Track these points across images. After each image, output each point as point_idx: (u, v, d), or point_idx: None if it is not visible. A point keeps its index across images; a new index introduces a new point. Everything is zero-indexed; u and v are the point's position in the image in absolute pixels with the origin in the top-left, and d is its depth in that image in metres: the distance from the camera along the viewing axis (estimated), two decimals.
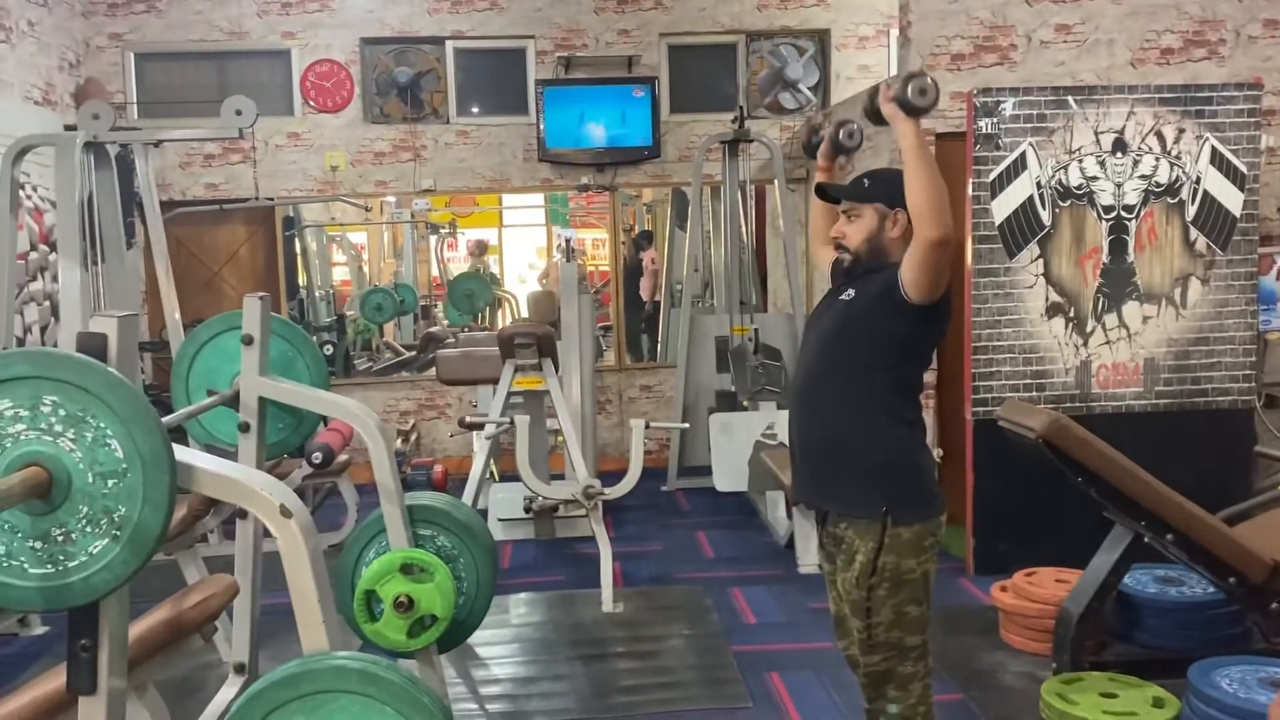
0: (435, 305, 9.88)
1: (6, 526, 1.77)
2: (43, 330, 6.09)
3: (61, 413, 1.76)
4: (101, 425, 1.77)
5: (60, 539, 1.78)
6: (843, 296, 2.49)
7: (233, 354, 3.15)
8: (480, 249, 9.94)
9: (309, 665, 1.89)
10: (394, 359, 8.85)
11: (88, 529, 1.78)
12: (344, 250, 9.85)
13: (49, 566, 1.79)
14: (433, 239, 9.80)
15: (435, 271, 10.11)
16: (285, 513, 1.94)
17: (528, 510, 5.52)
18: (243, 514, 3.05)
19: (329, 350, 7.86)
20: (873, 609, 2.36)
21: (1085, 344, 4.73)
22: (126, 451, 1.77)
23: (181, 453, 1.88)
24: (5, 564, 1.78)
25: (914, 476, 2.42)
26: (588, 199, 8.46)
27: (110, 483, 1.77)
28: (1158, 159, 4.69)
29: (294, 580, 1.95)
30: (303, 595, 1.96)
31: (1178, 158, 4.69)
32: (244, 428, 2.95)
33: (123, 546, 1.78)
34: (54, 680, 2.16)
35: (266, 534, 2.41)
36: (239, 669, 3.06)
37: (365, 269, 10.10)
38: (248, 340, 2.92)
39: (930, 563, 2.39)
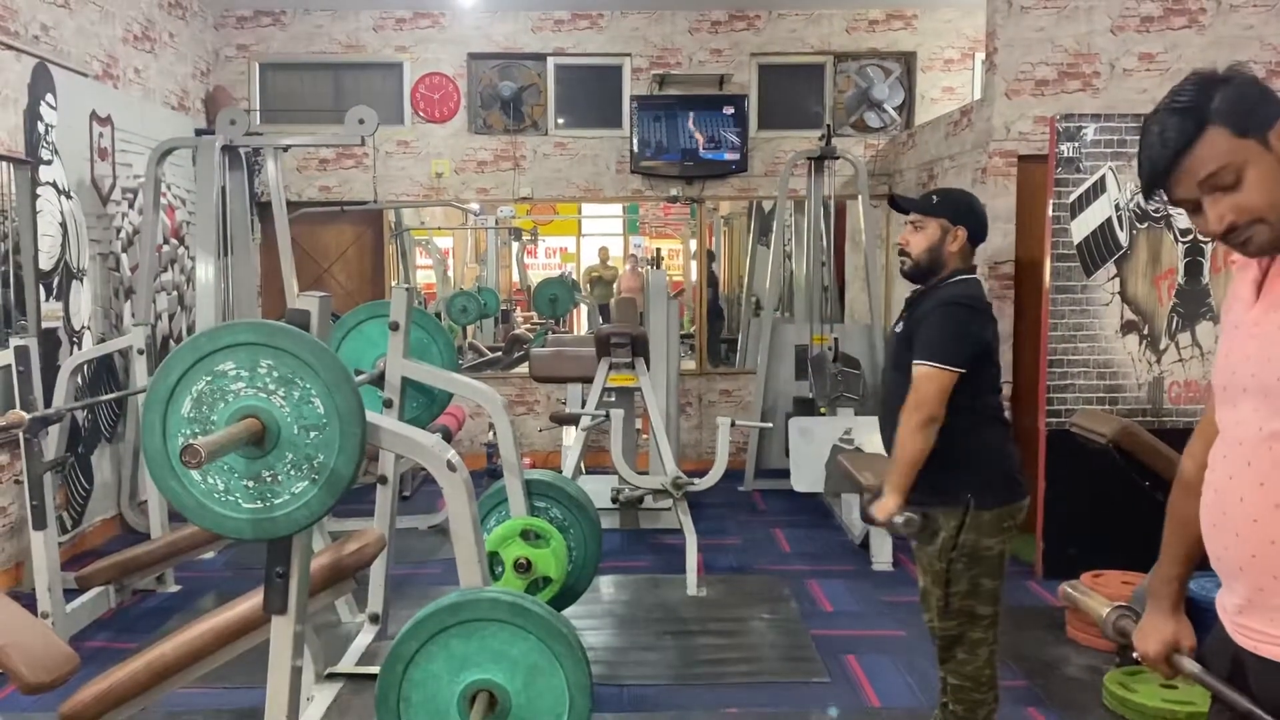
0: (515, 309, 10.30)
1: (226, 468, 2.13)
2: (170, 318, 6.57)
3: (275, 374, 2.12)
4: (307, 386, 2.12)
5: (269, 480, 2.14)
6: (897, 328, 2.79)
7: (374, 339, 3.54)
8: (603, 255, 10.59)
9: (467, 596, 2.22)
10: (478, 359, 9.26)
11: (292, 472, 2.13)
12: (429, 255, 10.29)
13: (259, 503, 2.14)
14: (514, 245, 10.21)
15: (515, 277, 10.54)
16: (451, 467, 2.28)
17: (615, 501, 5.84)
18: (382, 480, 3.42)
19: None
20: (951, 579, 2.64)
21: (1158, 361, 4.91)
22: (327, 409, 2.12)
23: (369, 415, 2.22)
24: (225, 499, 2.14)
25: (996, 464, 2.69)
26: (664, 209, 8.78)
27: (312, 434, 2.12)
28: None
29: (455, 524, 2.29)
30: (462, 537, 2.29)
31: None
32: (388, 403, 3.32)
33: (320, 488, 2.13)
34: (243, 604, 2.52)
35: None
36: (373, 619, 3.43)
37: (450, 273, 10.54)
38: (394, 326, 3.29)
39: (1008, 542, 2.67)
